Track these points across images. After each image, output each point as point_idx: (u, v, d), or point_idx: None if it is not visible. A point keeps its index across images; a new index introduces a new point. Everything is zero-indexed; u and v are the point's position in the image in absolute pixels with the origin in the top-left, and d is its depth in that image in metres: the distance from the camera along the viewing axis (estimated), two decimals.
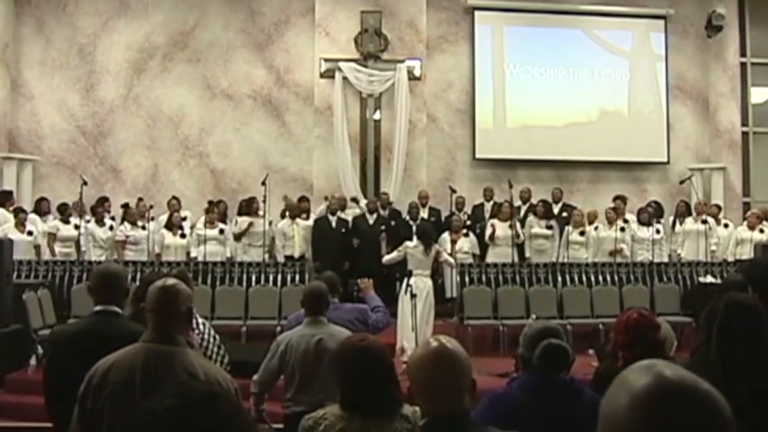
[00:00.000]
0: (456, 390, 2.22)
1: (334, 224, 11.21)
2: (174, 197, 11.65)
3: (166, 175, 13.32)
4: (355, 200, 11.98)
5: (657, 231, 11.15)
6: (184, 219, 11.29)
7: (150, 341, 2.81)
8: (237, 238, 11.06)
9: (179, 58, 13.47)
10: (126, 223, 10.93)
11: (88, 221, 10.89)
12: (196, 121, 13.45)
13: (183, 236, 10.84)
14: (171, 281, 2.97)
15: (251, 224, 10.97)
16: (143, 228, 10.78)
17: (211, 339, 4.30)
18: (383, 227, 11.32)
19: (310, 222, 11.29)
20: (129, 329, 3.29)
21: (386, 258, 9.21)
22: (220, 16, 13.55)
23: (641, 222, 11.30)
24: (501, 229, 11.07)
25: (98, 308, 3.52)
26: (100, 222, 10.93)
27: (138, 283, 4.59)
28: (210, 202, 11.48)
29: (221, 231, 10.89)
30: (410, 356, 2.44)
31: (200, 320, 4.26)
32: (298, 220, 11.22)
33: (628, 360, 3.39)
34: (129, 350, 2.82)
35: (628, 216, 11.53)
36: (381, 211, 11.66)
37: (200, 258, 10.44)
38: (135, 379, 2.69)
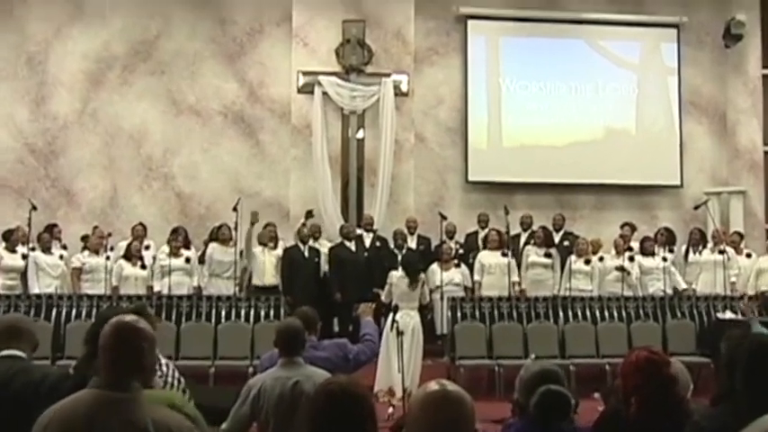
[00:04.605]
0: None
1: (306, 253, 11.15)
2: (140, 223, 11.63)
3: (126, 200, 13.26)
4: (310, 214, 11.84)
5: (664, 259, 11.07)
6: (147, 248, 11.23)
7: (99, 387, 2.76)
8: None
9: (141, 69, 13.47)
10: (85, 251, 10.87)
11: (33, 249, 10.78)
12: (160, 139, 13.43)
13: (143, 267, 10.77)
14: (129, 317, 2.93)
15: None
16: (107, 258, 10.68)
17: (175, 382, 4.26)
18: (366, 254, 11.30)
19: (279, 252, 11.20)
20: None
21: (383, 298, 9.27)
22: (186, 24, 13.58)
23: (644, 252, 11.23)
24: (492, 258, 11.09)
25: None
26: (47, 252, 10.85)
27: (93, 319, 4.57)
28: (175, 230, 11.41)
29: (187, 260, 10.83)
30: (411, 399, 2.43)
31: (163, 361, 4.22)
32: (266, 249, 11.11)
33: (641, 404, 3.32)
34: (73, 399, 2.75)
35: (632, 244, 11.51)
36: (365, 234, 11.64)
37: (165, 291, 10.40)
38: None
